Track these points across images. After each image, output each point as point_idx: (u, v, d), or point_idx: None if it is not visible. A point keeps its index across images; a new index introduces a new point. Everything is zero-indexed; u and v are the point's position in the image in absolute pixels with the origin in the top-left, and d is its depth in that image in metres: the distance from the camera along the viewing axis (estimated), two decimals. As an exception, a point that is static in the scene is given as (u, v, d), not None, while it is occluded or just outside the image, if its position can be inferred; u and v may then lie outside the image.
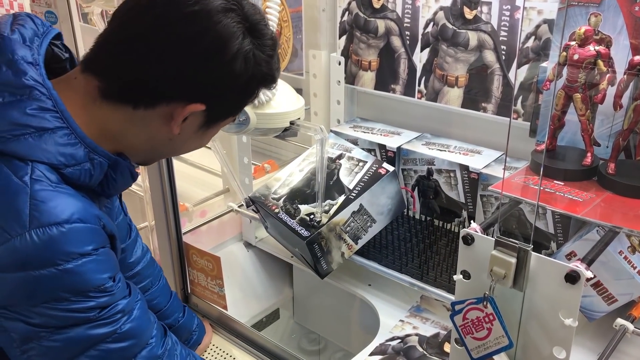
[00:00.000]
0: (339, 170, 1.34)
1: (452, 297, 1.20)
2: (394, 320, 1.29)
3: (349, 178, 1.31)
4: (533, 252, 0.78)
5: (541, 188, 0.97)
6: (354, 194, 1.26)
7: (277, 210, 1.29)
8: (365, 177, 1.29)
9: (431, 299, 1.32)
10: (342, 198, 1.26)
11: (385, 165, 1.31)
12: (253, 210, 1.40)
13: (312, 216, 1.24)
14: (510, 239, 0.78)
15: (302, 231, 1.21)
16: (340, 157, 1.38)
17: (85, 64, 0.81)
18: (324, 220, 1.22)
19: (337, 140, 1.44)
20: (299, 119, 1.29)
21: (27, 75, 0.75)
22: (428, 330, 1.26)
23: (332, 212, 1.24)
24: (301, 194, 1.32)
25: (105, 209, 0.93)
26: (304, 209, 1.27)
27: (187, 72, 0.77)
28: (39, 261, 0.70)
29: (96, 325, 0.76)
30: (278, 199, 1.32)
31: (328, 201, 1.27)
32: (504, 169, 0.84)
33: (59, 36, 0.88)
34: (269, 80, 0.86)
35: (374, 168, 1.31)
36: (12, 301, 0.72)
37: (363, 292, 1.38)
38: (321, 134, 1.23)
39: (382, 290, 1.38)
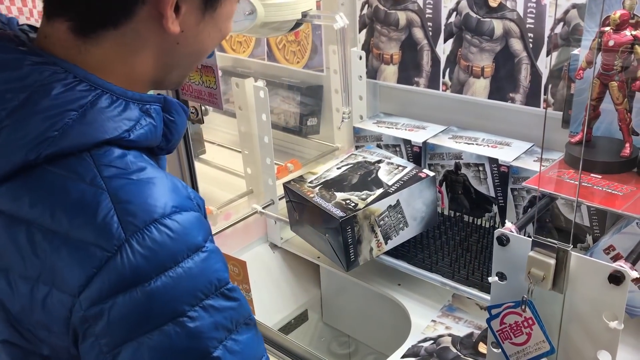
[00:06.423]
0: (377, 170, 1.33)
1: (485, 296, 1.16)
2: (425, 321, 1.26)
3: (387, 177, 1.29)
4: (573, 252, 0.74)
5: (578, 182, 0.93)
6: (393, 189, 1.25)
7: (312, 195, 1.28)
8: (405, 177, 1.28)
9: (463, 297, 1.28)
10: (380, 191, 1.25)
11: (425, 170, 1.30)
12: (286, 200, 1.38)
13: (348, 201, 1.22)
14: (549, 240, 0.74)
15: (337, 212, 1.20)
16: (379, 162, 1.36)
17: (46, 14, 0.66)
18: (361, 205, 1.21)
19: (376, 150, 1.44)
20: (310, 9, 1.23)
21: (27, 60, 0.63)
22: (461, 330, 1.22)
23: (369, 200, 1.22)
24: (337, 185, 1.30)
25: None
26: (340, 195, 1.26)
27: None
28: (148, 271, 0.58)
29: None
30: (313, 187, 1.31)
31: (365, 191, 1.25)
32: (540, 164, 0.80)
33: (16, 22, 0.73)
34: None
35: (414, 171, 1.29)
36: (119, 336, 0.58)
37: (393, 292, 1.34)
38: (341, 21, 1.16)
39: (412, 290, 1.34)
